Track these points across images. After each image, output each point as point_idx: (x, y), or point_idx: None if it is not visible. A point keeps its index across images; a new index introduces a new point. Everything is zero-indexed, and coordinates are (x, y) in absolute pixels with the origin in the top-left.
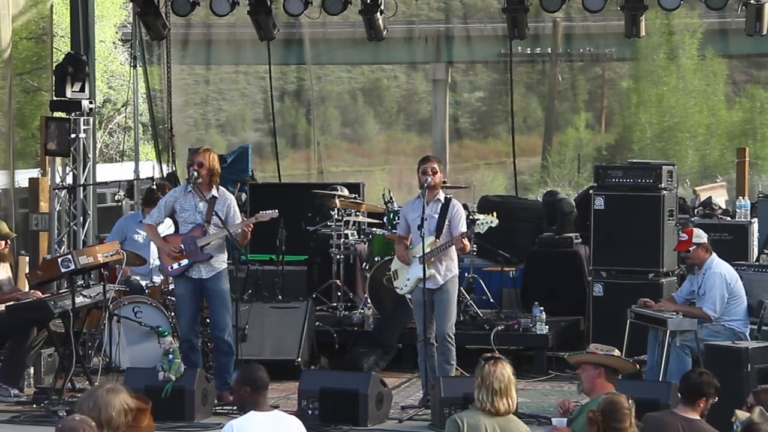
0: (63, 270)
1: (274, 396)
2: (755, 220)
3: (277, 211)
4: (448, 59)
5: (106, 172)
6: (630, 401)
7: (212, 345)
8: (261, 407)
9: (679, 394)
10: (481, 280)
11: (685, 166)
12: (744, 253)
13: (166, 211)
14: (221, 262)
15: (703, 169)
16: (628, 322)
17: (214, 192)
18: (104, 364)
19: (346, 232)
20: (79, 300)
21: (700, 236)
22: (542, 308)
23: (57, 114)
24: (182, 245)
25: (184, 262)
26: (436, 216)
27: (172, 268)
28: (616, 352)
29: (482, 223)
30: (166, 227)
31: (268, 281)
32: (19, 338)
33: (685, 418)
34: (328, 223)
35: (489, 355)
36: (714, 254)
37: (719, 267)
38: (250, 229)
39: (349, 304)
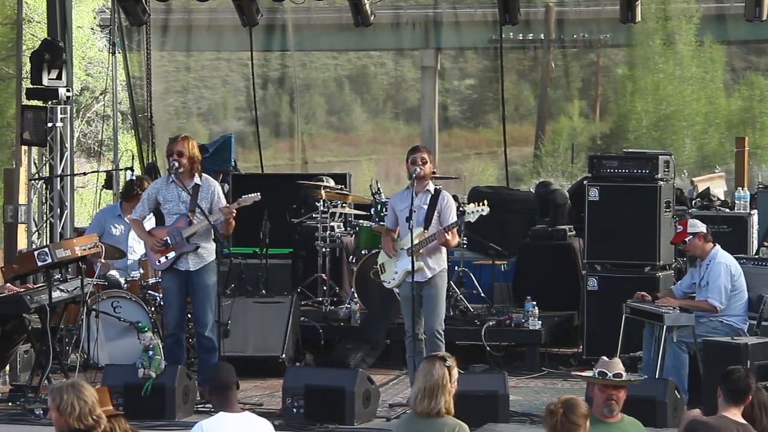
0: (39, 263)
1: (258, 393)
2: (755, 211)
3: (258, 194)
4: (437, 45)
5: None
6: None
7: (194, 341)
8: (229, 408)
9: (724, 395)
10: (471, 274)
11: (682, 156)
12: (743, 245)
13: (149, 204)
14: (209, 253)
15: (701, 159)
16: (624, 317)
17: (196, 180)
18: (82, 361)
19: (332, 224)
20: (56, 294)
21: (696, 226)
22: (535, 303)
23: (33, 102)
24: (167, 237)
25: (171, 254)
26: (425, 207)
27: (159, 261)
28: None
29: (472, 212)
30: (147, 221)
31: (251, 275)
32: None
33: (740, 423)
34: (314, 215)
35: (434, 353)
36: (717, 245)
37: (723, 258)
38: (233, 215)
39: (335, 299)
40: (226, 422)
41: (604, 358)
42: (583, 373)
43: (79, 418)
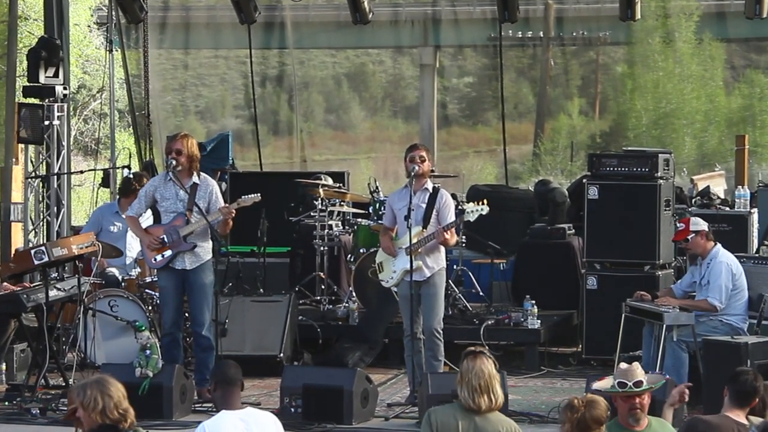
0: (36, 262)
1: (256, 393)
2: (755, 210)
3: (259, 194)
4: (436, 43)
5: None
6: (609, 410)
7: (191, 340)
8: (232, 405)
9: (730, 395)
10: (470, 273)
11: (682, 154)
12: (743, 244)
13: (146, 201)
14: (206, 252)
15: (701, 158)
16: (623, 316)
17: (195, 179)
18: (79, 360)
19: (330, 222)
20: (52, 293)
21: (698, 224)
22: (534, 302)
23: (30, 100)
24: (164, 236)
25: (168, 253)
26: (424, 206)
27: (155, 260)
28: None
29: (472, 211)
30: (145, 218)
31: (249, 274)
32: None
33: (741, 424)
34: (312, 214)
35: (470, 349)
36: (718, 244)
37: (724, 257)
38: (232, 215)
39: (333, 298)
40: (229, 420)
41: (622, 365)
42: (602, 386)
43: (104, 413)
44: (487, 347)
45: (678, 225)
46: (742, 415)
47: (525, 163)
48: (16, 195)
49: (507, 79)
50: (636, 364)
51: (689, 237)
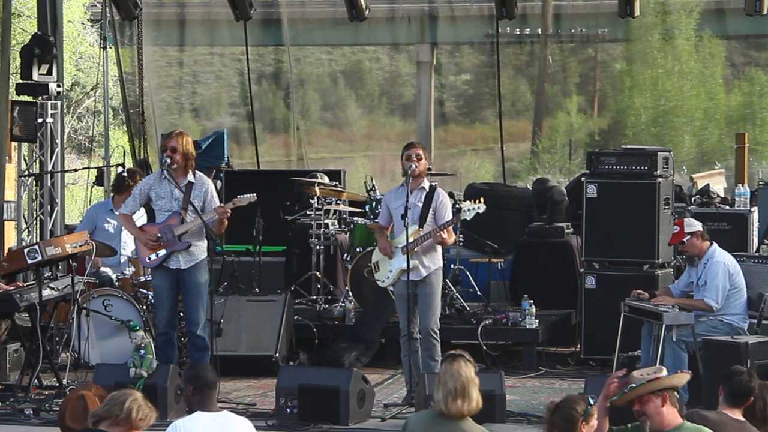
0: (29, 261)
1: (251, 393)
2: (755, 208)
3: (255, 194)
4: (433, 40)
5: None
6: (589, 406)
7: (186, 340)
8: (207, 407)
9: (725, 395)
10: (467, 272)
11: (681, 153)
12: (743, 243)
13: (141, 199)
14: (201, 251)
15: (701, 156)
16: (622, 315)
17: (190, 177)
18: (73, 360)
19: (326, 221)
20: (46, 293)
21: (692, 225)
22: (532, 301)
23: (23, 98)
24: (159, 234)
25: (162, 252)
26: (420, 204)
27: (149, 259)
28: (664, 370)
29: (469, 210)
30: (139, 216)
31: (244, 273)
32: None
33: (737, 420)
34: (308, 212)
35: (451, 352)
36: (714, 243)
37: (721, 257)
38: (227, 215)
39: (329, 297)
40: (203, 421)
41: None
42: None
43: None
44: (484, 349)
45: (673, 228)
46: (738, 413)
47: (523, 161)
48: (9, 193)
49: (504, 76)
50: (634, 372)
51: (684, 239)
